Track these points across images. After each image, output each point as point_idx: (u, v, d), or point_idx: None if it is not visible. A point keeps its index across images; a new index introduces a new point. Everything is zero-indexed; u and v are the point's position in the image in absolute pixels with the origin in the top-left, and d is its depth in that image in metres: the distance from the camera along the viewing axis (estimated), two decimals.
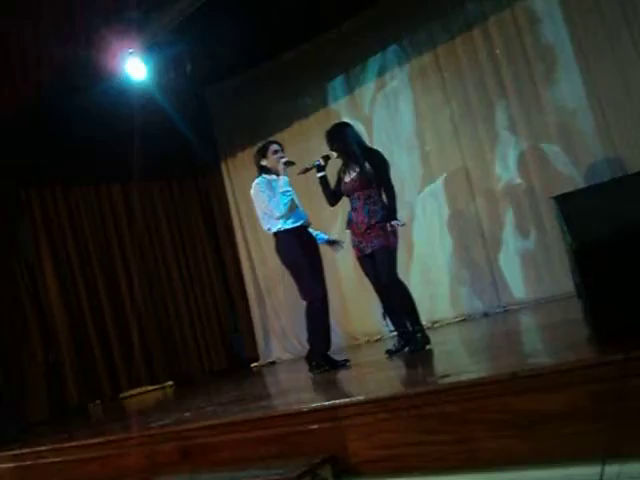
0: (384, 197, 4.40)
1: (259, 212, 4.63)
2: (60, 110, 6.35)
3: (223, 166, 8.31)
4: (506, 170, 6.17)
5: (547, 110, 5.87)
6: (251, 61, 7.42)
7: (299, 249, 4.51)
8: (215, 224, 8.71)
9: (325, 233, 5.01)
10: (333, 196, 4.63)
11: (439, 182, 6.63)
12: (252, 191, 4.62)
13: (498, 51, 6.10)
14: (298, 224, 4.56)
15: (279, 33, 6.77)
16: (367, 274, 4.54)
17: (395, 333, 4.75)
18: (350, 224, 4.50)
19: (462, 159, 6.42)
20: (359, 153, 4.44)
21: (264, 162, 4.64)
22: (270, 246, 7.83)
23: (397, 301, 4.39)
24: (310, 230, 4.76)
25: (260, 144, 4.86)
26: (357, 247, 4.47)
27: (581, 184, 5.18)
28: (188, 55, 6.55)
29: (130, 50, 5.56)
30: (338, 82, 7.22)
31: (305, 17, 6.56)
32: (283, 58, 7.48)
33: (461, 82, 6.37)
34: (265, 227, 4.65)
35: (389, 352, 4.47)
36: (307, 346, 4.91)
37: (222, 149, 8.32)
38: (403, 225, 4.53)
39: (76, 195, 7.87)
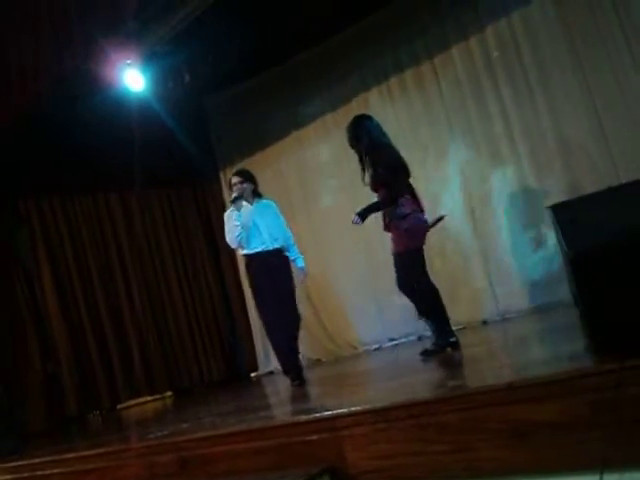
0: (402, 197, 4.32)
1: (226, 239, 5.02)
2: (58, 120, 6.36)
3: (222, 175, 8.32)
4: (504, 177, 6.18)
5: (544, 118, 5.88)
6: (249, 71, 7.44)
7: (252, 275, 4.86)
8: (214, 233, 8.70)
9: None
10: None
11: (436, 189, 6.63)
12: None
13: (496, 54, 6.11)
14: (254, 251, 4.83)
15: (277, 43, 6.79)
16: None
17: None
18: None
19: (459, 166, 6.44)
20: (369, 152, 4.36)
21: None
22: None
23: (420, 304, 4.33)
24: (290, 253, 4.97)
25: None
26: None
27: (578, 192, 5.19)
28: (186, 65, 6.57)
29: (128, 61, 5.58)
30: (335, 91, 7.24)
31: (302, 27, 6.59)
32: (281, 68, 7.51)
33: (459, 90, 6.39)
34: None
35: (425, 353, 4.28)
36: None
37: (220, 158, 8.34)
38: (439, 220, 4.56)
39: (74, 205, 7.87)
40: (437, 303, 4.29)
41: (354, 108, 7.11)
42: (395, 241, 4.30)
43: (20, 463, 4.07)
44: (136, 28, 5.23)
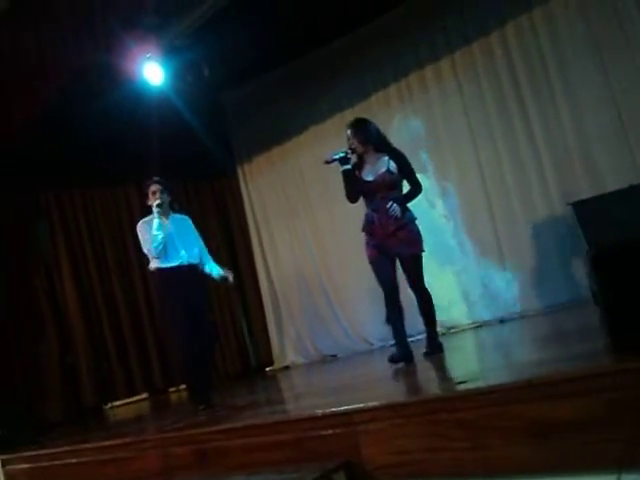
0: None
1: (144, 250, 4.85)
2: (78, 114, 6.40)
3: (239, 170, 8.34)
4: (523, 174, 6.12)
5: (564, 115, 5.83)
6: (268, 66, 7.44)
7: (167, 289, 4.72)
8: (231, 228, 8.74)
9: None
10: (355, 193, 4.38)
11: (452, 186, 6.61)
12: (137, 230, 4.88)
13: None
14: (171, 265, 4.72)
15: (295, 39, 6.79)
16: (381, 276, 4.28)
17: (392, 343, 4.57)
18: (371, 226, 4.28)
19: (478, 164, 6.41)
20: (385, 150, 4.30)
21: (148, 202, 4.81)
22: (286, 251, 7.97)
23: (424, 308, 4.27)
24: (206, 268, 4.90)
25: (146, 182, 4.94)
26: (375, 248, 4.25)
27: (598, 191, 5.13)
28: (205, 60, 6.58)
29: (148, 54, 5.59)
30: (354, 87, 7.21)
31: (321, 23, 6.58)
32: (299, 63, 7.48)
33: (478, 86, 6.34)
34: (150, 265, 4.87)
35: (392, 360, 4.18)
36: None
37: (238, 153, 8.35)
38: None
39: (93, 198, 7.95)
40: (434, 309, 4.30)
41: (373, 104, 7.10)
42: (409, 242, 4.19)
43: (39, 453, 4.12)
44: (156, 22, 5.24)
